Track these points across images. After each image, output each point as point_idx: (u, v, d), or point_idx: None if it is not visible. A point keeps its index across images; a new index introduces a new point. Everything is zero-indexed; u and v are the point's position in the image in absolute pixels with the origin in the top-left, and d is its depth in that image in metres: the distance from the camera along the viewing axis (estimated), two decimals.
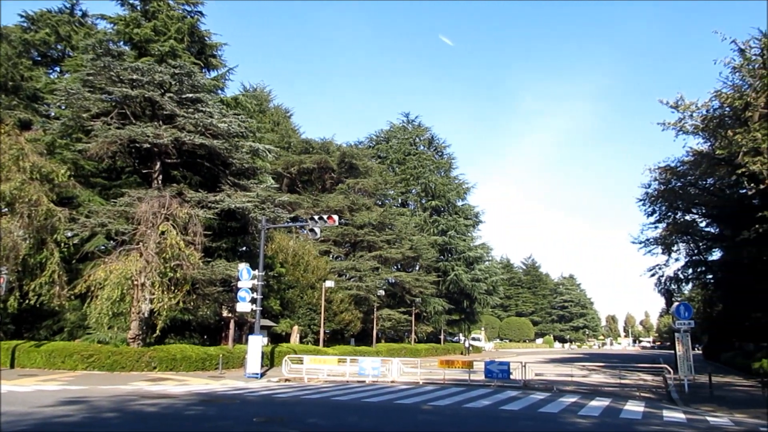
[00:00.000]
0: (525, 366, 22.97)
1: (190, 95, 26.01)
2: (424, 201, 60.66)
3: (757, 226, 23.84)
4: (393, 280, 48.86)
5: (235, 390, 17.98)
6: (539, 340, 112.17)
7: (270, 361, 28.23)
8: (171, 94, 25.50)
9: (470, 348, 54.50)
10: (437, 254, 56.44)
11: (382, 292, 44.74)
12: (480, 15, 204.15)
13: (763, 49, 22.97)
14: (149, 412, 12.09)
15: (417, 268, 53.54)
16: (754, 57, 23.46)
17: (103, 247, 26.39)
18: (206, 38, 30.72)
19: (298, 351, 28.85)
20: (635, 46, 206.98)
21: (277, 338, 35.43)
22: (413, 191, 60.85)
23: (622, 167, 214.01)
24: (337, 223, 27.41)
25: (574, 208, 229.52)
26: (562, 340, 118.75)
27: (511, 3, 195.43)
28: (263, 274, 24.74)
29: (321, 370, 24.16)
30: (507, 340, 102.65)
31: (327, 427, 11.02)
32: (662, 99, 26.15)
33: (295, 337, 36.38)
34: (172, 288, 22.85)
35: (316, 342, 36.79)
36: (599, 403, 16.82)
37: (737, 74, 25.16)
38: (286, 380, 22.81)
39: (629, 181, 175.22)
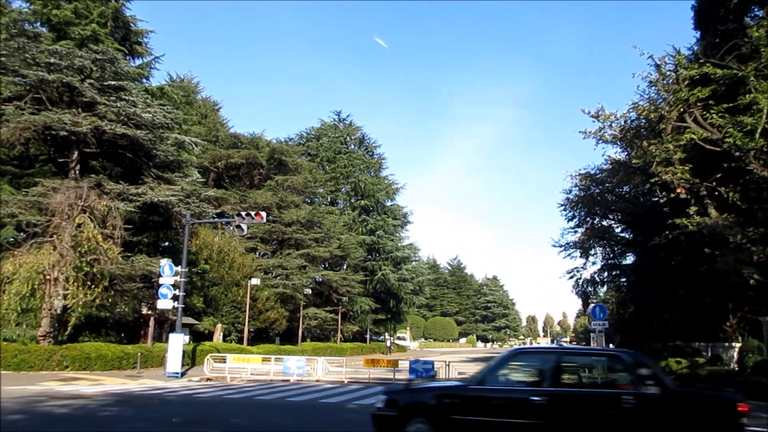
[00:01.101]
0: (449, 365, 23.39)
1: (113, 83, 24.89)
2: (353, 200, 60.71)
3: (667, 232, 25.23)
4: (320, 279, 48.63)
5: (153, 390, 17.37)
6: (463, 340, 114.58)
7: (191, 360, 27.45)
8: (92, 81, 24.32)
9: (392, 347, 54.85)
10: (365, 254, 56.62)
11: (308, 291, 44.43)
12: (414, 19, 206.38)
13: (677, 66, 24.37)
14: (60, 414, 11.49)
15: (345, 267, 53.53)
16: (668, 72, 24.85)
17: (12, 239, 24.86)
18: (131, 24, 29.49)
19: (221, 350, 28.20)
20: (561, 56, 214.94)
21: (199, 337, 34.51)
22: (343, 190, 60.79)
23: (545, 173, 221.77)
24: (264, 220, 27.04)
25: (499, 211, 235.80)
26: (485, 340, 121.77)
27: (443, 9, 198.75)
28: (186, 270, 24.03)
29: (245, 369, 23.71)
30: (431, 340, 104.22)
31: (250, 427, 10.83)
32: (584, 109, 27.29)
33: (218, 336, 35.56)
34: (89, 283, 21.84)
35: (240, 341, 36.09)
36: None
37: (653, 88, 26.59)
38: (208, 380, 22.26)
39: (552, 186, 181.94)
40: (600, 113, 27.13)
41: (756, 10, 23.58)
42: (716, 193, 24.31)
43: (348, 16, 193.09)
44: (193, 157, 33.75)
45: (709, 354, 30.39)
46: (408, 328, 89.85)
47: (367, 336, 60.75)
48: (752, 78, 20.42)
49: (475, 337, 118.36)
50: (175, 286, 23.06)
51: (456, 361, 31.85)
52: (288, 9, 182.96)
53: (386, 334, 65.73)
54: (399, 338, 76.90)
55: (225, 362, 23.14)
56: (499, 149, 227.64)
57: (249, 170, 48.84)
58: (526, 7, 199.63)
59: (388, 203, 63.75)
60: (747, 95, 20.50)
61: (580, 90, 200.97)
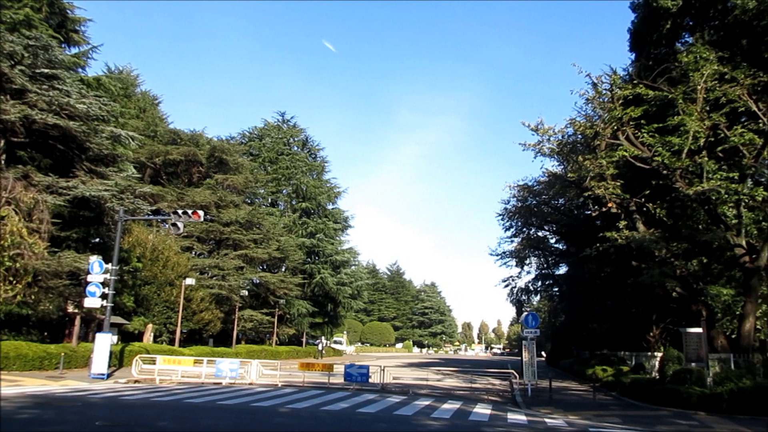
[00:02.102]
0: (383, 370, 23.46)
1: (46, 71, 23.83)
2: (294, 202, 60.17)
3: (597, 244, 26.15)
4: (257, 281, 47.92)
5: (76, 391, 16.66)
6: (399, 345, 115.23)
7: (119, 361, 26.51)
8: (23, 67, 23.21)
9: (323, 351, 54.26)
10: (304, 256, 56.19)
11: (245, 292, 43.69)
12: (364, 24, 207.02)
13: (612, 85, 25.35)
14: None
15: (283, 269, 52.92)
16: (604, 91, 25.81)
17: None
18: (68, 11, 28.36)
19: (151, 351, 27.34)
20: (506, 69, 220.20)
21: (128, 337, 33.35)
22: (284, 191, 60.17)
23: (487, 182, 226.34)
24: (202, 219, 26.45)
25: (440, 219, 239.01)
26: (421, 345, 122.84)
27: (393, 16, 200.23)
28: (117, 268, 23.20)
29: (175, 371, 23.08)
30: (368, 344, 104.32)
31: (178, 431, 10.54)
32: (524, 121, 27.95)
33: (148, 336, 34.47)
34: (10, 279, 20.76)
35: (171, 342, 35.10)
36: (451, 406, 17.54)
37: (590, 105, 27.57)
38: (136, 381, 21.55)
39: (493, 195, 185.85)
40: (539, 127, 27.87)
41: (686, 36, 24.83)
42: (644, 209, 25.39)
43: (296, 18, 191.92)
44: (129, 151, 32.70)
45: (633, 362, 31.65)
46: (345, 332, 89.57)
47: (304, 339, 60.25)
48: (681, 101, 21.45)
49: (411, 342, 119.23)
50: (104, 284, 22.21)
51: (391, 366, 31.99)
52: (236, 7, 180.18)
53: (323, 337, 65.36)
54: (336, 342, 76.59)
55: (154, 364, 22.45)
56: (443, 157, 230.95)
57: (188, 167, 47.67)
58: (474, 20, 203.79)
59: (330, 206, 63.54)
60: (676, 117, 21.51)
61: (523, 103, 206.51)
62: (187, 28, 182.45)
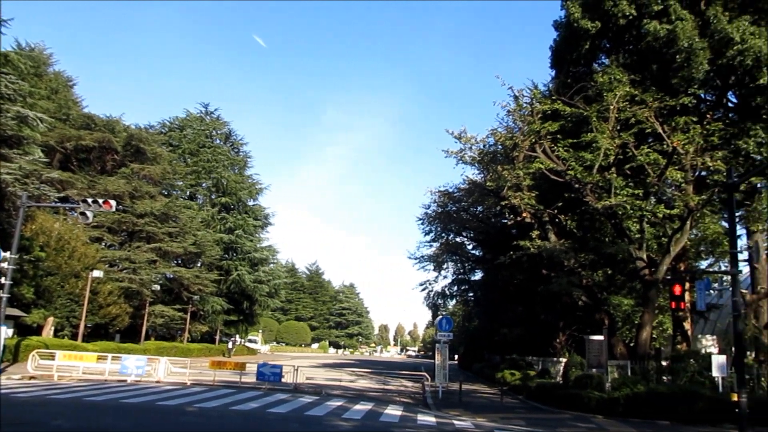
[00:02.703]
0: (297, 370, 23.26)
1: None
2: (214, 196, 58.62)
3: (512, 252, 27.02)
4: (171, 275, 46.30)
5: None
6: (315, 345, 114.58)
7: (14, 356, 24.94)
8: None
9: (233, 349, 52.96)
10: (222, 252, 54.83)
11: (157, 287, 42.11)
12: (295, 21, 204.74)
13: (533, 99, 26.32)
14: None
15: (199, 265, 51.40)
16: (525, 104, 26.77)
17: None
18: None
19: (50, 345, 25.82)
20: (434, 76, 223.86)
21: (26, 331, 31.39)
22: (204, 185, 58.48)
23: (410, 187, 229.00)
24: (113, 209, 25.30)
25: (362, 221, 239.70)
26: (337, 346, 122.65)
27: (324, 15, 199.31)
28: (17, 257, 21.80)
29: (76, 367, 21.94)
30: (284, 344, 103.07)
31: (74, 430, 10.02)
32: (448, 129, 28.57)
33: (48, 330, 32.58)
34: None
35: (74, 336, 33.31)
36: (363, 407, 17.61)
37: (511, 117, 28.52)
38: (32, 378, 20.33)
39: (414, 200, 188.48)
40: (462, 135, 28.55)
41: (603, 58, 26.13)
42: (557, 220, 26.49)
43: (226, 10, 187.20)
44: (36, 134, 30.78)
45: (540, 367, 32.90)
46: (260, 330, 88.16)
47: (217, 337, 58.77)
48: (595, 119, 22.55)
49: (327, 342, 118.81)
50: (0, 273, 20.81)
51: (306, 366, 31.78)
52: None
53: (236, 335, 64.02)
54: (250, 341, 75.19)
55: (54, 359, 21.27)
56: (369, 159, 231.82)
57: (101, 155, 45.41)
58: (405, 25, 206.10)
59: (251, 203, 62.33)
60: (589, 134, 22.59)
61: (450, 110, 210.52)
62: (111, 12, 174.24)
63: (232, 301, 56.63)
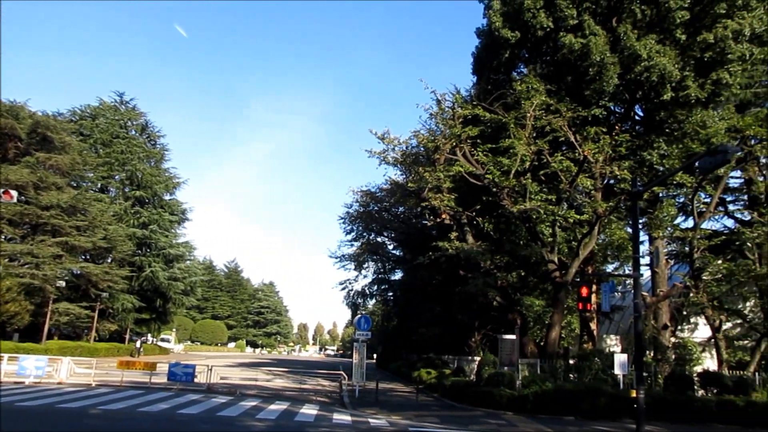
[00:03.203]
0: (211, 369, 22.69)
1: None
2: (127, 189, 56.12)
3: (431, 253, 27.46)
4: (78, 271, 43.95)
5: None
6: (232, 344, 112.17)
7: None
8: None
9: (141, 349, 50.88)
10: (135, 247, 52.57)
11: (62, 283, 39.86)
12: (219, 13, 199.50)
13: (454, 104, 26.86)
14: None
15: (109, 260, 49.09)
16: (447, 108, 27.28)
17: None
18: None
19: None
20: (360, 78, 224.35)
21: None
22: (117, 177, 55.85)
23: (333, 186, 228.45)
24: (15, 200, 23.77)
25: (284, 219, 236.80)
26: (254, 345, 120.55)
27: (250, 10, 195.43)
28: None
29: None
30: (199, 343, 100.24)
31: None
32: (372, 129, 28.71)
33: None
34: None
35: None
36: (278, 406, 17.40)
37: (433, 120, 28.96)
38: None
39: (337, 199, 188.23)
40: (386, 136, 28.74)
41: (522, 67, 27.01)
42: (475, 222, 27.15)
43: None
44: None
45: (456, 366, 33.59)
46: (174, 329, 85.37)
47: (127, 336, 56.37)
48: (512, 125, 23.29)
49: (244, 342, 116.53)
50: None
51: (221, 365, 31.07)
52: None
53: (148, 334, 61.66)
54: (163, 340, 72.69)
55: None
56: (292, 157, 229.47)
57: (3, 142, 42.52)
58: (333, 26, 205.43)
59: (167, 197, 60.11)
60: (507, 139, 23.30)
61: (375, 111, 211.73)
62: None
63: (145, 298, 54.45)
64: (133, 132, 59.32)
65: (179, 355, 59.70)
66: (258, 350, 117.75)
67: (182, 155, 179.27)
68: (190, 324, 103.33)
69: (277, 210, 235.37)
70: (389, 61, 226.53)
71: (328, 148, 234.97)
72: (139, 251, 54.66)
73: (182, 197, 75.20)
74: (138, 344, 51.75)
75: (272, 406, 17.26)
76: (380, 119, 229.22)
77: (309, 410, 17.19)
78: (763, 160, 27.12)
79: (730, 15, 21.67)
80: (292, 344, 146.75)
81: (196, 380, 21.75)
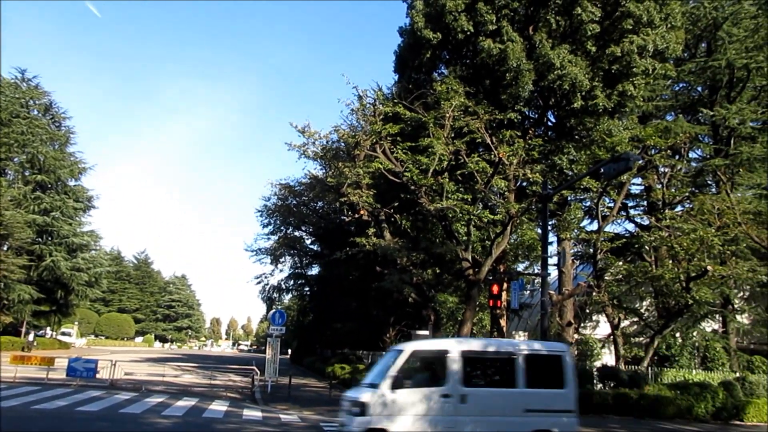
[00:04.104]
0: (115, 364, 21.75)
1: None
2: (27, 173, 52.62)
3: (348, 249, 27.47)
4: None
5: None
6: (139, 339, 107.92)
7: None
8: None
9: (35, 343, 48.09)
10: (34, 235, 49.43)
11: None
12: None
13: (376, 101, 26.97)
14: None
15: (5, 248, 45.93)
16: (368, 105, 27.33)
17: None
18: None
19: None
20: (282, 70, 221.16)
21: None
22: (15, 160, 52.22)
23: (251, 178, 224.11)
24: None
25: (196, 209, 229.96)
26: (164, 340, 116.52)
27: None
28: None
29: None
30: (104, 337, 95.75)
31: None
32: (292, 122, 28.36)
33: None
34: None
35: None
36: (186, 403, 16.93)
37: (354, 116, 28.95)
38: None
39: (255, 192, 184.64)
40: (306, 129, 28.41)
41: (442, 68, 27.48)
42: (392, 219, 27.40)
43: None
44: None
45: (370, 361, 33.88)
46: (76, 323, 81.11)
47: (23, 329, 53.02)
48: (432, 125, 23.65)
49: (153, 336, 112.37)
50: None
51: (127, 360, 29.88)
52: None
53: (47, 328, 58.26)
54: (64, 333, 68.92)
55: None
56: (209, 147, 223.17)
57: None
58: (251, 16, 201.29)
59: (72, 183, 56.85)
60: (426, 139, 23.63)
61: (297, 103, 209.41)
62: None
63: (45, 289, 51.32)
64: (36, 112, 55.66)
65: (81, 350, 56.79)
66: (167, 345, 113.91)
67: (90, 140, 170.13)
68: (95, 317, 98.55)
69: (191, 201, 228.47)
70: (312, 55, 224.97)
71: (246, 140, 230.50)
72: (40, 239, 51.48)
73: (89, 183, 71.62)
74: (31, 337, 48.76)
75: (180, 403, 16.77)
76: (302, 113, 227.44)
77: (218, 406, 16.83)
78: (662, 169, 28.97)
79: (636, 31, 22.95)
80: (203, 339, 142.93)
81: (98, 376, 20.79)
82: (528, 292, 37.25)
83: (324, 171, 34.10)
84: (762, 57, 28.50)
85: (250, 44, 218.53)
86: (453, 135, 24.13)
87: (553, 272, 30.61)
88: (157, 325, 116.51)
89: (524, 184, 26.04)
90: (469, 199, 24.27)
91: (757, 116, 30.82)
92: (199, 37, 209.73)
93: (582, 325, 31.85)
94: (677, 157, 29.35)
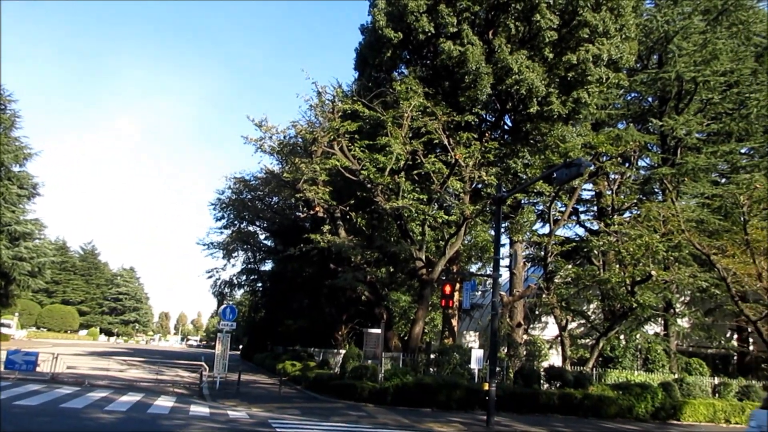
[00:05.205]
0: (57, 358, 21.06)
1: None
2: None
3: (302, 245, 27.36)
4: None
5: None
6: (83, 332, 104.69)
7: None
8: None
9: None
10: None
11: None
12: None
13: (335, 97, 26.91)
14: None
15: None
16: (327, 101, 27.26)
17: None
18: None
19: None
20: (241, 64, 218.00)
21: None
22: None
23: (206, 171, 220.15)
24: None
25: (148, 201, 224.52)
26: (110, 334, 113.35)
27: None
28: None
29: None
30: (46, 329, 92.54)
31: None
32: (250, 116, 28.03)
33: None
34: None
35: None
36: (131, 398, 16.53)
37: (313, 112, 28.83)
38: None
39: (209, 185, 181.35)
40: (264, 123, 28.16)
41: (403, 67, 27.60)
42: (348, 217, 27.39)
43: None
44: None
45: (321, 358, 33.75)
46: (17, 314, 78.15)
47: None
48: (390, 124, 23.73)
49: (98, 329, 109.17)
50: None
51: (70, 354, 29.02)
52: None
53: None
54: (2, 325, 66.31)
55: None
56: (165, 139, 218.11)
57: None
58: (214, 11, 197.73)
59: (16, 168, 54.73)
60: (384, 137, 23.71)
61: (255, 98, 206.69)
62: None
63: None
64: None
65: (21, 342, 54.71)
66: (113, 339, 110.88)
67: (38, 126, 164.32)
68: (37, 309, 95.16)
69: (144, 193, 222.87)
70: (272, 50, 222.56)
71: (203, 133, 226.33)
72: None
73: (34, 170, 68.97)
74: None
75: (124, 398, 16.36)
76: (261, 108, 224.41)
77: (164, 402, 16.49)
78: (612, 176, 29.80)
79: (592, 40, 23.53)
80: (151, 334, 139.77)
81: (38, 369, 20.10)
82: (480, 292, 37.77)
83: (280, 166, 33.83)
84: (709, 71, 29.62)
85: (208, 37, 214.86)
86: (411, 135, 24.27)
87: (505, 274, 31.13)
88: (103, 319, 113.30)
89: (479, 186, 26.39)
90: (425, 199, 24.46)
91: (703, 128, 32.05)
92: (156, 28, 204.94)
93: (531, 326, 32.48)
94: (627, 164, 30.23)
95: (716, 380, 25.32)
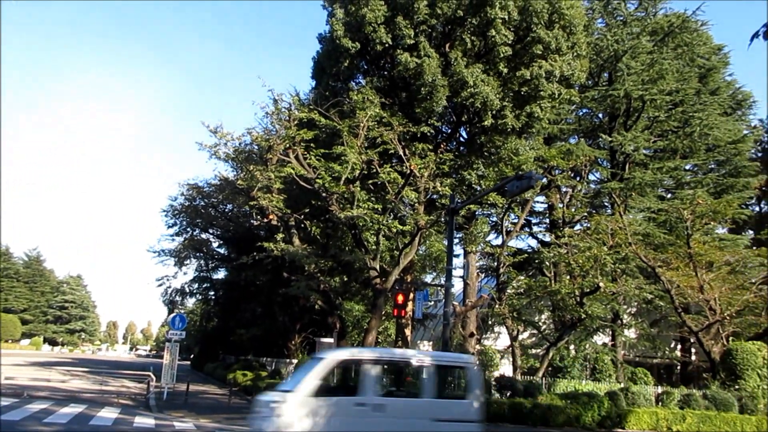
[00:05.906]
0: None
1: None
2: None
3: (255, 253, 27.03)
4: None
5: None
6: (26, 341, 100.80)
7: None
8: None
9: None
10: None
11: None
12: None
13: (291, 105, 26.78)
14: None
15: None
16: (283, 109, 27.08)
17: None
18: None
19: None
20: (198, 68, 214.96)
21: None
22: None
23: (158, 177, 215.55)
24: None
25: (97, 207, 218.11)
26: (54, 343, 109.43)
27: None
28: None
29: None
30: None
31: None
32: (205, 122, 27.73)
33: None
34: None
35: None
36: (72, 409, 15.99)
37: (269, 119, 28.57)
38: None
39: (161, 191, 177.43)
40: (218, 129, 27.76)
41: (360, 77, 27.70)
42: (302, 225, 27.20)
43: None
44: None
45: (273, 368, 33.35)
46: None
47: None
48: (346, 133, 23.73)
49: (41, 339, 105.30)
50: None
51: (10, 364, 27.87)
52: None
53: None
54: None
55: None
56: (116, 143, 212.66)
57: None
58: (170, 14, 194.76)
59: None
60: (340, 147, 23.67)
61: (210, 104, 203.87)
62: None
63: None
64: None
65: None
66: (57, 349, 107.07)
67: None
68: None
69: (92, 199, 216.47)
70: (229, 56, 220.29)
71: (155, 138, 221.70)
72: None
73: None
74: None
75: (65, 410, 15.81)
76: (216, 114, 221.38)
77: (108, 413, 16.01)
78: (563, 189, 30.51)
79: (545, 56, 24.11)
80: (98, 343, 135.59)
81: None
82: (433, 302, 38.03)
83: (235, 173, 33.40)
84: (656, 90, 30.72)
85: (164, 41, 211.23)
86: (367, 144, 24.31)
87: (458, 284, 31.46)
88: (47, 327, 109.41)
89: (434, 196, 26.60)
90: (380, 209, 24.50)
91: (650, 144, 33.19)
92: (111, 31, 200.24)
93: (483, 336, 32.86)
94: (578, 178, 31.01)
95: (660, 389, 26.04)
